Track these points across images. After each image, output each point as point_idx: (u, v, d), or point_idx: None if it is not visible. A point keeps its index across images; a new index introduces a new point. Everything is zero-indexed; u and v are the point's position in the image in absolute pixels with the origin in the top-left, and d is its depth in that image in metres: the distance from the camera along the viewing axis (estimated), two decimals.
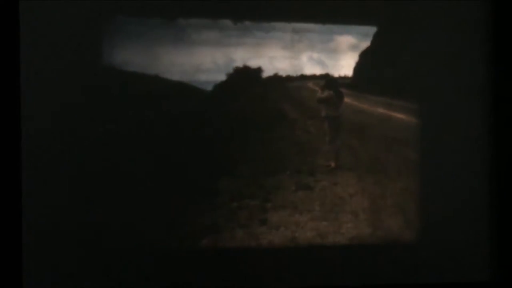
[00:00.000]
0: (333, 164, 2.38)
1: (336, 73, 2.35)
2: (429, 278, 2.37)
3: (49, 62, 2.08)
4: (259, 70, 2.28)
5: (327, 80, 2.36)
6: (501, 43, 2.37)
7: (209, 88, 2.26)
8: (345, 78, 2.37)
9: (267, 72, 2.29)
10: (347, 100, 2.40)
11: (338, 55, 2.33)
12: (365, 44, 2.35)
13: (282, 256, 2.28)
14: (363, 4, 2.33)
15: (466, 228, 2.39)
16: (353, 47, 2.34)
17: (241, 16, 2.25)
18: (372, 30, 2.36)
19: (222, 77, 2.25)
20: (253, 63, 2.27)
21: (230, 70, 2.26)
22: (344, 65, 2.35)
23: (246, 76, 2.28)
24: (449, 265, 2.38)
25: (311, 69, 2.33)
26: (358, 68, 2.36)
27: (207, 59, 2.24)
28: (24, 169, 2.06)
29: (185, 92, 2.24)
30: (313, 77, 2.35)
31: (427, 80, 2.37)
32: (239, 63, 2.26)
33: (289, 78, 2.32)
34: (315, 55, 2.32)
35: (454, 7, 2.37)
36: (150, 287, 2.18)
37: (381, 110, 2.43)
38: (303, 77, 2.33)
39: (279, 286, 2.29)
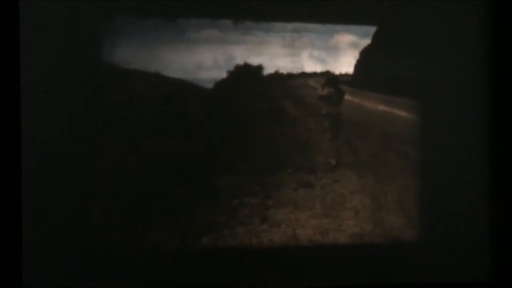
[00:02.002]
0: (334, 162, 2.38)
1: (336, 71, 2.35)
2: (429, 278, 2.37)
3: (49, 62, 2.08)
4: (259, 67, 2.28)
5: (327, 77, 2.36)
6: (501, 43, 2.36)
7: (210, 86, 2.25)
8: (345, 75, 2.37)
9: (268, 70, 2.29)
10: (347, 97, 2.40)
11: (338, 53, 2.33)
12: (366, 41, 2.35)
13: (283, 254, 2.29)
14: (363, 4, 2.32)
15: (467, 227, 2.39)
16: (353, 45, 2.34)
17: (241, 15, 2.24)
18: (372, 28, 2.35)
19: (222, 74, 2.25)
20: (254, 61, 2.27)
21: (231, 68, 2.26)
22: (345, 63, 2.34)
23: (247, 74, 2.28)
24: (449, 265, 2.38)
25: (312, 66, 2.33)
26: (359, 66, 2.36)
27: (208, 57, 2.24)
28: (24, 169, 2.06)
29: (185, 90, 2.24)
30: (313, 75, 2.35)
31: (428, 78, 2.37)
32: (240, 61, 2.26)
33: (289, 76, 2.32)
34: (316, 53, 2.32)
35: (454, 6, 2.37)
36: (151, 285, 2.19)
37: (382, 107, 2.42)
38: (303, 75, 2.33)
39: (279, 285, 2.29)
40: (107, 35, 2.14)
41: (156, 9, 2.16)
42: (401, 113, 2.40)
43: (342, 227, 2.35)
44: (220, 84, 2.26)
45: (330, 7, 2.32)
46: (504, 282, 2.38)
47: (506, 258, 2.38)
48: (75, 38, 2.10)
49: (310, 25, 2.31)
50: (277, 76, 2.30)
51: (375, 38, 2.35)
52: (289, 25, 2.29)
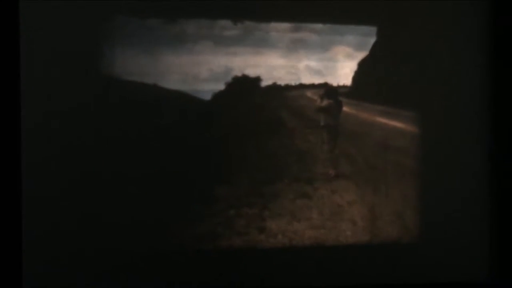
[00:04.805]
0: (332, 173, 2.38)
1: (334, 82, 2.36)
2: (429, 278, 2.36)
3: (49, 62, 2.09)
4: (257, 79, 2.30)
5: (326, 89, 2.37)
6: (500, 47, 2.36)
7: (208, 97, 2.27)
8: (343, 87, 2.38)
9: (266, 81, 2.31)
10: (345, 108, 2.41)
11: (335, 64, 2.34)
12: (363, 53, 2.36)
13: (280, 262, 2.29)
14: (361, 9, 2.34)
15: (466, 228, 2.38)
16: (350, 57, 2.35)
17: (241, 17, 2.26)
18: (369, 40, 2.37)
19: (220, 86, 2.27)
20: (252, 72, 2.29)
21: (229, 79, 2.27)
22: (342, 74, 2.35)
23: (245, 85, 2.30)
24: (449, 266, 2.37)
25: (309, 78, 2.34)
26: (356, 77, 2.37)
27: (206, 68, 2.25)
28: (24, 170, 2.07)
29: (184, 100, 2.25)
30: (311, 86, 2.36)
31: (425, 88, 2.37)
32: (238, 72, 2.28)
33: (287, 87, 2.33)
34: (313, 64, 2.33)
35: (453, 12, 2.38)
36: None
37: (379, 118, 2.43)
38: (301, 86, 2.34)
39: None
40: (107, 39, 2.15)
41: (156, 11, 2.18)
42: (398, 123, 2.41)
43: (340, 238, 2.34)
44: (218, 95, 2.28)
45: (329, 10, 2.33)
46: (504, 282, 2.36)
47: (506, 258, 2.37)
48: (75, 39, 2.11)
49: (307, 37, 2.32)
50: (275, 87, 2.32)
51: (373, 47, 2.36)
52: (287, 36, 2.31)
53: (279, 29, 2.32)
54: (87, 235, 2.13)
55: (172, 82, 2.23)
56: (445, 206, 2.37)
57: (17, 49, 2.06)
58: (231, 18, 2.26)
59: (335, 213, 2.36)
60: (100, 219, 2.15)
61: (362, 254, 2.34)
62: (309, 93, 2.40)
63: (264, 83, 2.31)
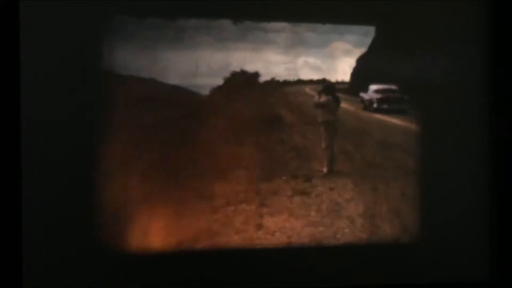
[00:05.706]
0: (325, 170, 2.37)
1: (332, 78, 2.35)
2: (428, 278, 2.37)
3: (49, 61, 2.08)
4: (256, 74, 2.28)
5: (324, 85, 2.36)
6: (501, 45, 2.37)
7: (206, 92, 2.25)
8: (342, 83, 2.37)
9: (264, 77, 2.29)
10: (344, 105, 2.40)
11: (333, 60, 2.34)
12: (362, 50, 2.35)
13: (277, 259, 2.28)
14: (361, 8, 2.33)
15: (466, 228, 2.39)
16: (348, 53, 2.34)
17: (241, 16, 2.25)
18: (368, 35, 2.36)
19: (219, 81, 2.25)
20: (250, 68, 2.27)
21: (227, 75, 2.26)
22: (340, 70, 2.35)
23: (243, 81, 2.28)
24: (449, 265, 2.38)
25: (307, 74, 2.33)
26: (354, 74, 2.36)
27: (204, 63, 2.24)
28: (24, 170, 2.07)
29: (182, 95, 2.24)
30: (309, 82, 2.35)
31: (425, 86, 2.37)
32: (236, 68, 2.26)
33: (285, 83, 2.32)
34: (311, 60, 2.32)
35: (453, 13, 2.37)
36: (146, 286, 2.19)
37: (378, 115, 2.43)
38: (299, 82, 2.33)
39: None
40: (106, 38, 2.14)
41: (156, 11, 2.17)
42: (396, 120, 2.41)
43: (337, 235, 2.33)
44: (216, 90, 2.26)
45: (328, 9, 2.33)
46: (504, 282, 2.37)
47: (506, 258, 2.38)
48: (75, 38, 2.10)
49: (306, 33, 2.31)
50: (273, 83, 2.31)
51: (372, 43, 2.35)
52: (285, 33, 2.30)
53: (278, 27, 2.30)
54: (85, 235, 2.12)
55: (171, 78, 2.21)
56: (445, 205, 2.37)
57: (16, 48, 2.05)
58: (230, 17, 2.25)
59: (333, 211, 2.35)
60: (98, 218, 2.13)
61: (359, 253, 2.34)
62: (307, 89, 2.38)
63: (262, 79, 2.29)
